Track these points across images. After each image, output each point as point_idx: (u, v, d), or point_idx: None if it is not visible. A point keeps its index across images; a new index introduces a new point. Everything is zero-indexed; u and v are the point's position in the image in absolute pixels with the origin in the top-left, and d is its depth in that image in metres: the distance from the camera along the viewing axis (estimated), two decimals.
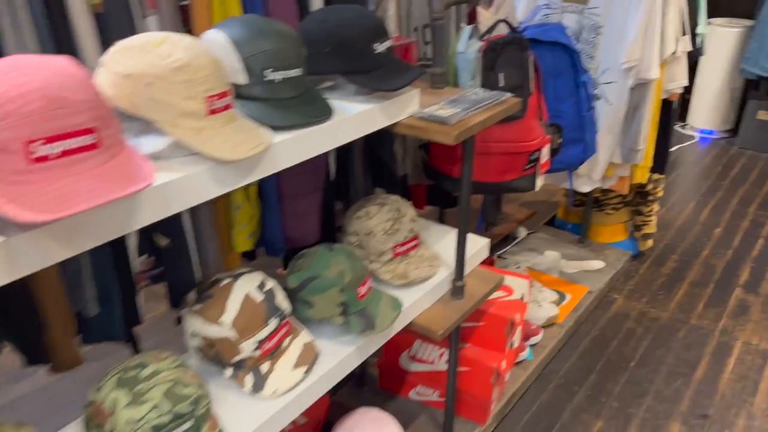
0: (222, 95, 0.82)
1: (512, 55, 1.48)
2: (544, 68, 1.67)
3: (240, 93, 0.91)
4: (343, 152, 1.50)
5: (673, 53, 1.83)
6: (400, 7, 1.62)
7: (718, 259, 2.48)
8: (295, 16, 1.27)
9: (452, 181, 1.61)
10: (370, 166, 1.59)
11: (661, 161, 2.10)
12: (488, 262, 2.09)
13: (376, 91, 1.11)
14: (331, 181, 1.47)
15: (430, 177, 1.67)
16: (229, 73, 0.90)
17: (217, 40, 0.91)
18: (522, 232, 2.52)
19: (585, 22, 1.83)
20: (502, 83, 1.47)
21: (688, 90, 3.99)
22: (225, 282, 1.02)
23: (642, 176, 2.03)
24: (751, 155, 3.56)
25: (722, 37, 3.65)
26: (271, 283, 1.06)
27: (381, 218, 1.32)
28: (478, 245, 1.50)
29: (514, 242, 2.47)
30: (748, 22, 3.61)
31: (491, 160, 1.56)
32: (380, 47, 1.10)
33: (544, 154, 1.63)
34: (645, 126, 1.87)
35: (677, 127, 3.98)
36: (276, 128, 0.92)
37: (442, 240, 1.52)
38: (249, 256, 1.48)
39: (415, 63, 1.48)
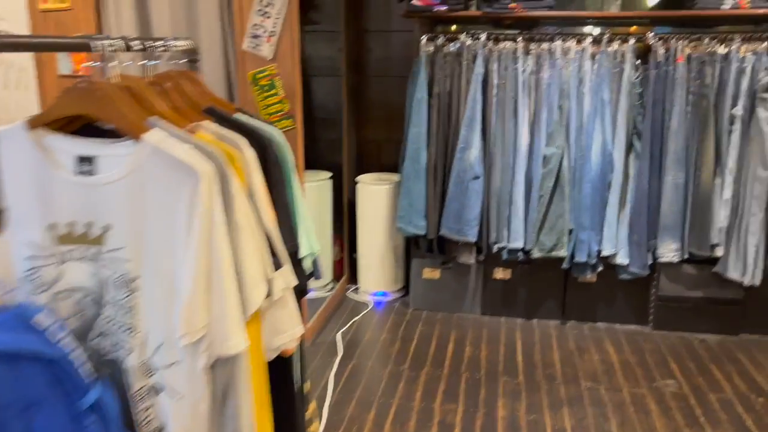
0: None
1: None
2: None
3: None
4: None
5: (268, 297, 1.17)
6: None
7: None
8: None
9: None
10: None
11: None
12: None
13: None
14: None
15: None
16: None
17: None
18: None
19: (106, 273, 1.06)
20: None
21: (353, 250, 3.63)
22: None
23: None
24: (426, 317, 3.24)
25: (373, 195, 3.38)
26: None
27: None
28: None
29: None
30: (395, 177, 3.41)
31: None
32: None
33: None
34: (247, 420, 1.14)
35: (350, 293, 3.54)
36: None
37: None
38: None
39: None
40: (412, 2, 2.99)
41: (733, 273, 2.88)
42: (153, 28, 2.64)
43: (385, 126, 3.70)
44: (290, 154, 1.34)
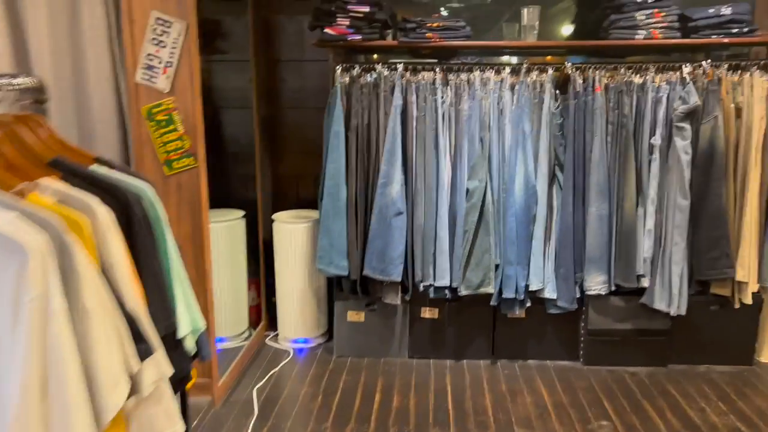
0: None
1: None
2: None
3: None
4: None
5: (135, 394, 0.93)
6: None
7: None
8: None
9: None
10: None
11: None
12: None
13: None
14: None
15: None
16: None
17: None
18: None
19: None
20: None
21: (271, 293, 3.38)
22: None
23: None
24: (351, 364, 3.02)
25: (291, 234, 3.15)
26: None
27: None
28: None
29: None
30: (315, 214, 3.20)
31: None
32: None
33: None
34: None
35: (269, 341, 3.28)
36: None
37: None
38: None
39: None
40: (324, 30, 2.83)
41: (659, 303, 2.84)
42: (31, 60, 2.34)
43: (303, 160, 3.50)
44: (162, 210, 1.11)
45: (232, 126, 3.44)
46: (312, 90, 3.44)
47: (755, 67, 2.74)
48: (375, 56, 3.27)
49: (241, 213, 3.25)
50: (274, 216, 3.23)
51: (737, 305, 2.84)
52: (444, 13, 3.33)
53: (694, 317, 2.89)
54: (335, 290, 3.11)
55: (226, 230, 3.13)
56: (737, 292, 2.83)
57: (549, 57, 3.31)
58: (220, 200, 3.30)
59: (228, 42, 3.38)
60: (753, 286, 2.80)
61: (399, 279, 2.91)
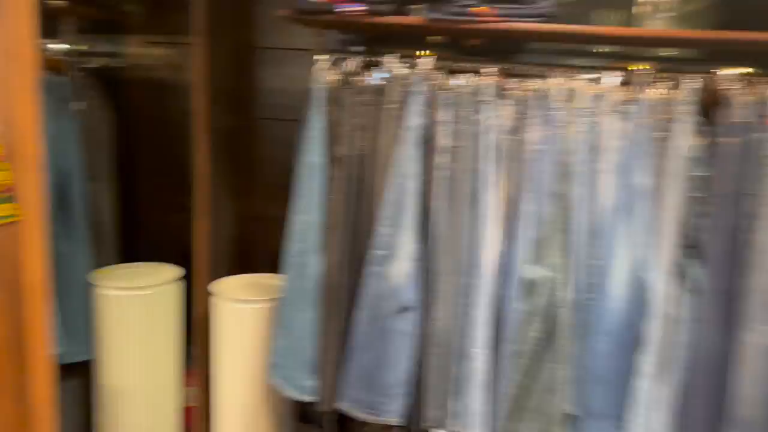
0: None
1: None
2: None
3: None
4: None
5: None
6: None
7: None
8: None
9: None
10: None
11: None
12: None
13: None
14: None
15: None
16: None
17: None
18: None
19: None
20: None
21: None
22: None
23: None
24: None
25: (235, 318, 2.01)
26: None
27: None
28: None
29: None
30: None
31: None
32: None
33: None
34: None
35: None
36: None
37: None
38: None
39: None
40: None
41: None
42: None
43: (282, 195, 2.34)
44: None
45: (175, 144, 2.35)
46: (301, 93, 2.29)
47: None
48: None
49: (178, 273, 2.14)
50: (214, 286, 2.08)
51: None
52: None
53: None
54: (299, 417, 1.95)
55: (143, 302, 2.02)
56: None
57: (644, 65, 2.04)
58: (150, 252, 2.24)
59: (176, 18, 2.28)
60: None
61: (399, 420, 1.72)
